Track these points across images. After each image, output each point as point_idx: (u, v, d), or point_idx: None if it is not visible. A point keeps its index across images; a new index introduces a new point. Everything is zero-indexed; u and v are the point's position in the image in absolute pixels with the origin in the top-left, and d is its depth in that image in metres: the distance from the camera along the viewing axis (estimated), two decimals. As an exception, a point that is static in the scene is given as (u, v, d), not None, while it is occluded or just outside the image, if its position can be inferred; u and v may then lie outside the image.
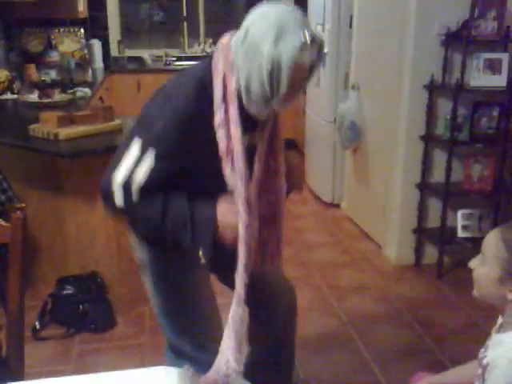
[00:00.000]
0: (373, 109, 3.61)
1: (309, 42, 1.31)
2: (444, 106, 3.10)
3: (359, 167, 3.93)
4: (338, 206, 4.33)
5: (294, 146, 1.77)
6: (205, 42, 6.06)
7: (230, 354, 1.53)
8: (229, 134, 1.40)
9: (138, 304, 2.86)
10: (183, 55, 6.14)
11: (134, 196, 1.40)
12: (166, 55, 6.02)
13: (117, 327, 2.72)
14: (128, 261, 2.76)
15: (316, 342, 2.60)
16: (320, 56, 1.38)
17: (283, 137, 1.62)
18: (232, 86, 1.39)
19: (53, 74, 4.61)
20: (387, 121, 3.38)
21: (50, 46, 5.13)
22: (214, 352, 1.56)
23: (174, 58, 6.06)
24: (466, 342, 2.49)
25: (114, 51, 5.96)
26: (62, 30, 5.23)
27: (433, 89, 3.07)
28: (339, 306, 2.92)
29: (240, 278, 1.50)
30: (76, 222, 2.74)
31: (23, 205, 2.77)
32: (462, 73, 2.92)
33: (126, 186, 1.39)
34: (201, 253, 1.46)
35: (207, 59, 1.47)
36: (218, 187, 1.45)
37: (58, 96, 3.65)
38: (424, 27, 3.01)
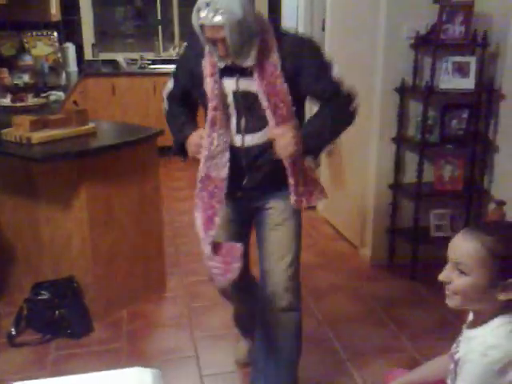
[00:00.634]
0: (346, 111, 3.65)
1: (202, 5, 1.66)
2: (415, 109, 3.17)
3: (334, 169, 3.98)
4: (314, 208, 4.37)
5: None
6: (179, 46, 6.06)
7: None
8: (207, 66, 1.84)
9: (114, 308, 2.85)
10: (158, 58, 6.13)
11: (164, 101, 2.09)
12: (141, 58, 6.00)
13: (93, 332, 2.71)
14: (104, 265, 2.76)
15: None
16: (224, 20, 1.65)
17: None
18: None
19: (26, 78, 4.55)
20: (360, 123, 3.39)
21: (22, 50, 5.08)
22: None
23: (149, 62, 6.05)
24: (440, 340, 2.53)
25: (88, 55, 5.92)
26: (35, 33, 5.18)
27: (404, 92, 3.13)
28: (316, 305, 2.95)
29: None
30: (51, 226, 2.72)
31: (-4, 210, 2.75)
32: (432, 76, 2.98)
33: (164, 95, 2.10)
34: None
35: None
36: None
37: (31, 100, 3.62)
38: (394, 31, 3.06)
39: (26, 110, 3.31)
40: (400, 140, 3.21)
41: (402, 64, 3.11)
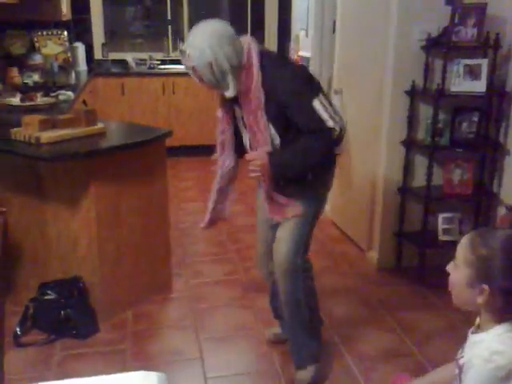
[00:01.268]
0: (355, 114, 3.63)
1: (182, 51, 1.97)
2: (425, 112, 3.14)
3: (342, 172, 3.95)
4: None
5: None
6: (189, 46, 6.06)
7: None
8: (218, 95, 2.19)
9: (120, 309, 2.85)
10: (167, 58, 6.13)
11: None
12: (150, 58, 6.01)
13: (99, 333, 2.70)
14: (110, 265, 2.76)
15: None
16: (196, 63, 1.95)
17: None
18: None
19: (35, 77, 4.58)
20: (369, 126, 3.41)
21: (32, 49, 5.09)
22: None
23: (158, 62, 6.05)
24: (447, 345, 2.51)
25: (97, 54, 5.94)
26: (45, 32, 5.19)
27: (414, 94, 3.10)
28: (321, 308, 2.92)
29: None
30: (58, 226, 2.72)
31: (4, 209, 2.76)
32: (443, 78, 2.95)
33: None
34: None
35: None
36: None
37: (40, 99, 3.63)
38: (405, 33, 3.04)
39: (36, 110, 3.32)
40: (409, 143, 3.19)
41: (413, 66, 3.08)
